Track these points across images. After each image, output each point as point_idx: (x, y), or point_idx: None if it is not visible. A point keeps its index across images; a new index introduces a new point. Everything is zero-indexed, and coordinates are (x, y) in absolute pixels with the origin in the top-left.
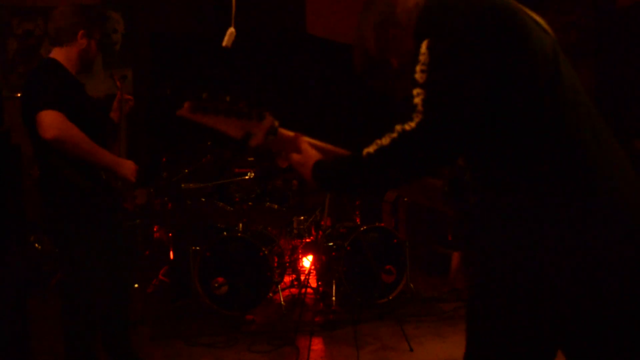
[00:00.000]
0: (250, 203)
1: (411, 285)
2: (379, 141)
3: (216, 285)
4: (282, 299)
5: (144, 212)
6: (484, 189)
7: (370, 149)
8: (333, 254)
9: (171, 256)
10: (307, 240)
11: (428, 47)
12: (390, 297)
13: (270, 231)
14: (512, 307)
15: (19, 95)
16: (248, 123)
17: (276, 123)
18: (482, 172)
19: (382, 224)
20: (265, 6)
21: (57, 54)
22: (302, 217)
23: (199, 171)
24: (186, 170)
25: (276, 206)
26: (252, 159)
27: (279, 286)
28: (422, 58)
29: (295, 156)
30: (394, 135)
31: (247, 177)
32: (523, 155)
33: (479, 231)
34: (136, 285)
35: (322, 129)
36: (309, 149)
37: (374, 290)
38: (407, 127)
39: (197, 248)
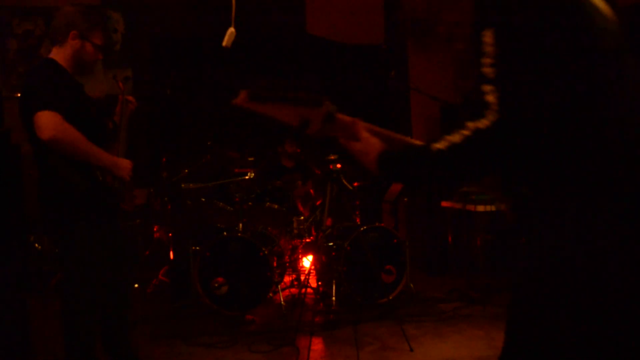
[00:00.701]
0: (250, 203)
1: (411, 285)
2: (448, 137)
3: (216, 285)
4: (282, 299)
5: (144, 212)
6: (530, 194)
7: (440, 145)
8: (333, 254)
9: (171, 256)
10: (307, 240)
11: (495, 39)
12: (390, 297)
13: (270, 231)
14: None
15: (19, 95)
16: (305, 110)
17: (334, 109)
18: (529, 175)
19: (382, 224)
20: (265, 6)
21: (56, 54)
22: (302, 217)
23: (199, 171)
24: (186, 170)
25: (276, 206)
26: (252, 159)
27: (279, 286)
28: (488, 50)
29: (356, 145)
30: (467, 132)
31: (247, 177)
32: (578, 156)
33: (533, 234)
34: (136, 285)
35: None
36: (370, 137)
37: (374, 290)
38: (480, 125)
39: (197, 248)
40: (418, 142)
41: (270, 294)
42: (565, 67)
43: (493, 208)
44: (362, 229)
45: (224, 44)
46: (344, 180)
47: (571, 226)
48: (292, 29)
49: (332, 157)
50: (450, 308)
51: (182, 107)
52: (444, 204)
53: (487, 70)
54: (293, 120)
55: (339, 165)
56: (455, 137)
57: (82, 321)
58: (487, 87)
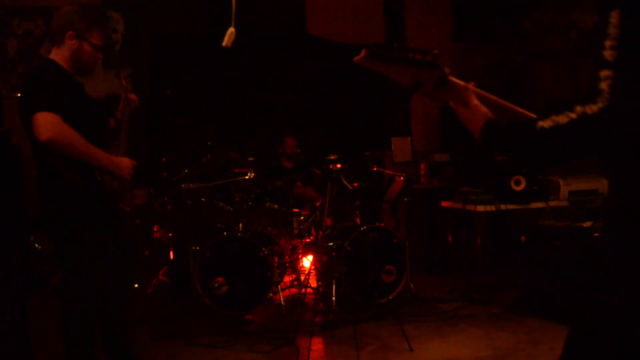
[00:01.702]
0: (250, 203)
1: (411, 285)
2: (555, 118)
3: (216, 285)
4: (282, 299)
5: (144, 212)
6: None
7: (545, 123)
8: (333, 254)
9: (171, 256)
10: (307, 240)
11: (620, 20)
12: (390, 297)
13: (270, 231)
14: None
15: (19, 95)
16: (420, 71)
17: (448, 72)
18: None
19: (382, 224)
20: (265, 6)
21: (55, 54)
22: (302, 217)
23: (199, 171)
24: (186, 170)
25: (276, 206)
26: (252, 159)
27: (279, 286)
28: (612, 31)
29: (464, 111)
30: (573, 115)
31: (247, 177)
32: None
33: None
34: (136, 285)
35: (322, 128)
36: (479, 105)
37: (374, 290)
38: (588, 110)
39: (197, 248)
40: (528, 115)
41: (270, 294)
42: None
43: (493, 208)
44: (362, 229)
45: (224, 44)
46: (344, 180)
47: None
48: (292, 29)
49: (332, 157)
50: (450, 308)
51: (182, 107)
52: (444, 204)
53: (608, 54)
54: (406, 80)
55: (339, 165)
56: (562, 118)
57: (82, 321)
58: (604, 73)
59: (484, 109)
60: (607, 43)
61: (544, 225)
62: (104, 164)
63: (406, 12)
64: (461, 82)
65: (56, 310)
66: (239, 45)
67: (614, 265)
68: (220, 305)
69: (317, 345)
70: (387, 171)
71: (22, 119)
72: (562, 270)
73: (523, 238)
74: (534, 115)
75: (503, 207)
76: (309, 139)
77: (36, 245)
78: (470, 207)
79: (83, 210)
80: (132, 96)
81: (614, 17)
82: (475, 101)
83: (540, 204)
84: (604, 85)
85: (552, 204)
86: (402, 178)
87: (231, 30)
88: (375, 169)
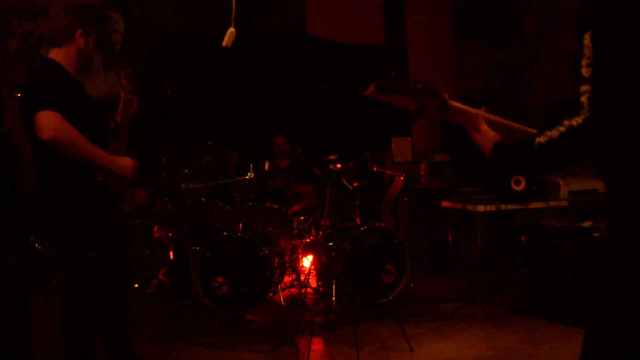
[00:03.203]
0: (250, 203)
1: (411, 285)
2: (548, 132)
3: (216, 285)
4: (282, 299)
5: (144, 212)
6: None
7: (542, 139)
8: (333, 254)
9: (171, 256)
10: (307, 240)
11: (592, 40)
12: (390, 297)
13: (270, 231)
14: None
15: (19, 95)
16: (423, 98)
17: (447, 97)
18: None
19: (382, 224)
20: (265, 6)
21: (56, 54)
22: (302, 217)
23: (199, 171)
24: (186, 170)
25: (276, 206)
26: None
27: (279, 286)
28: (586, 52)
29: (476, 135)
30: (563, 129)
31: (247, 177)
32: None
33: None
34: (136, 285)
35: (322, 128)
36: (488, 131)
37: (374, 290)
38: (574, 122)
39: (197, 248)
40: (530, 132)
41: (270, 294)
42: None
43: (493, 208)
44: (362, 229)
45: (224, 44)
46: (344, 180)
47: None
48: (292, 29)
49: (332, 157)
50: (450, 308)
51: (182, 107)
52: (444, 204)
53: (584, 71)
54: (412, 107)
55: (339, 165)
56: (554, 133)
57: (82, 321)
58: (583, 88)
59: (492, 133)
60: (584, 62)
61: (544, 225)
62: (105, 164)
63: (406, 12)
64: (472, 110)
65: (56, 310)
66: (239, 45)
67: (614, 262)
68: (220, 305)
69: (317, 345)
70: (387, 171)
71: (22, 119)
72: (562, 270)
73: (523, 238)
74: (534, 131)
75: (503, 207)
76: (308, 139)
77: (36, 245)
78: (470, 207)
79: (83, 210)
80: (131, 96)
81: (587, 38)
82: (485, 126)
83: (540, 204)
84: (583, 99)
85: (552, 204)
86: (402, 178)
87: (231, 30)
88: (375, 169)
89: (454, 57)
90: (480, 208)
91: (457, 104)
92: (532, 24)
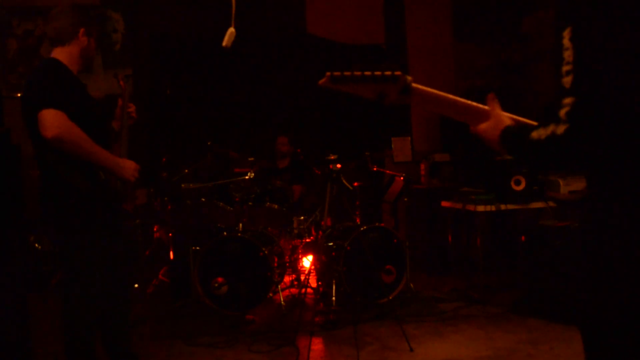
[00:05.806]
0: (250, 203)
1: (411, 285)
2: (541, 131)
3: (216, 285)
4: (282, 299)
5: (144, 212)
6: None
7: (534, 134)
8: (333, 254)
9: (171, 256)
10: (307, 240)
11: (571, 39)
12: (390, 297)
13: (270, 231)
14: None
15: (19, 95)
16: (382, 85)
17: (409, 81)
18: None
19: (382, 224)
20: (265, 6)
21: (59, 53)
22: (302, 217)
23: (199, 171)
24: (186, 170)
25: (276, 206)
26: (252, 159)
27: (279, 286)
28: (566, 55)
29: (480, 126)
30: (549, 133)
31: (247, 177)
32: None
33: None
34: (136, 285)
35: (322, 128)
36: (500, 114)
37: (374, 290)
38: (558, 130)
39: (197, 248)
40: (530, 123)
41: (270, 294)
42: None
43: (493, 208)
44: (362, 229)
45: (224, 44)
46: (344, 180)
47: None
48: (292, 29)
49: (332, 157)
50: (450, 308)
51: (182, 107)
52: (444, 204)
53: (565, 80)
54: (371, 95)
55: (339, 165)
56: (543, 134)
57: (82, 321)
58: (565, 101)
59: (497, 130)
60: (564, 69)
61: (544, 225)
62: (108, 164)
63: (406, 12)
64: (447, 95)
65: (56, 310)
66: (239, 46)
67: (590, 253)
68: (220, 305)
69: (317, 345)
70: (387, 171)
71: (25, 118)
72: (562, 270)
73: (523, 238)
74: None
75: (503, 207)
76: (308, 139)
77: (36, 245)
78: (470, 207)
79: (84, 210)
80: (131, 107)
81: (566, 37)
82: (486, 125)
83: (540, 204)
84: (562, 113)
85: (552, 204)
86: (402, 178)
87: (231, 30)
88: (375, 169)
89: (454, 57)
90: (480, 208)
91: (426, 89)
92: (532, 24)
